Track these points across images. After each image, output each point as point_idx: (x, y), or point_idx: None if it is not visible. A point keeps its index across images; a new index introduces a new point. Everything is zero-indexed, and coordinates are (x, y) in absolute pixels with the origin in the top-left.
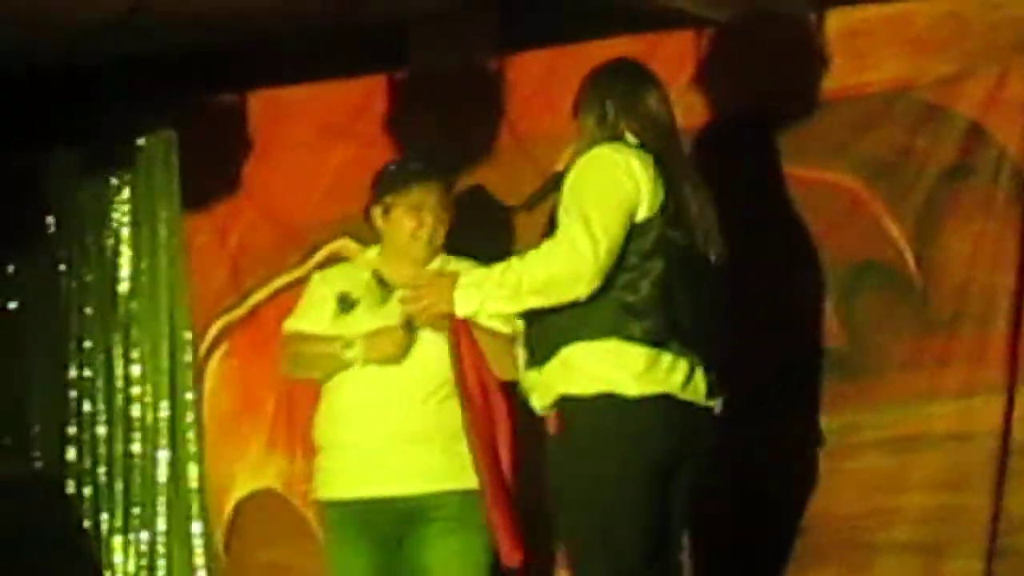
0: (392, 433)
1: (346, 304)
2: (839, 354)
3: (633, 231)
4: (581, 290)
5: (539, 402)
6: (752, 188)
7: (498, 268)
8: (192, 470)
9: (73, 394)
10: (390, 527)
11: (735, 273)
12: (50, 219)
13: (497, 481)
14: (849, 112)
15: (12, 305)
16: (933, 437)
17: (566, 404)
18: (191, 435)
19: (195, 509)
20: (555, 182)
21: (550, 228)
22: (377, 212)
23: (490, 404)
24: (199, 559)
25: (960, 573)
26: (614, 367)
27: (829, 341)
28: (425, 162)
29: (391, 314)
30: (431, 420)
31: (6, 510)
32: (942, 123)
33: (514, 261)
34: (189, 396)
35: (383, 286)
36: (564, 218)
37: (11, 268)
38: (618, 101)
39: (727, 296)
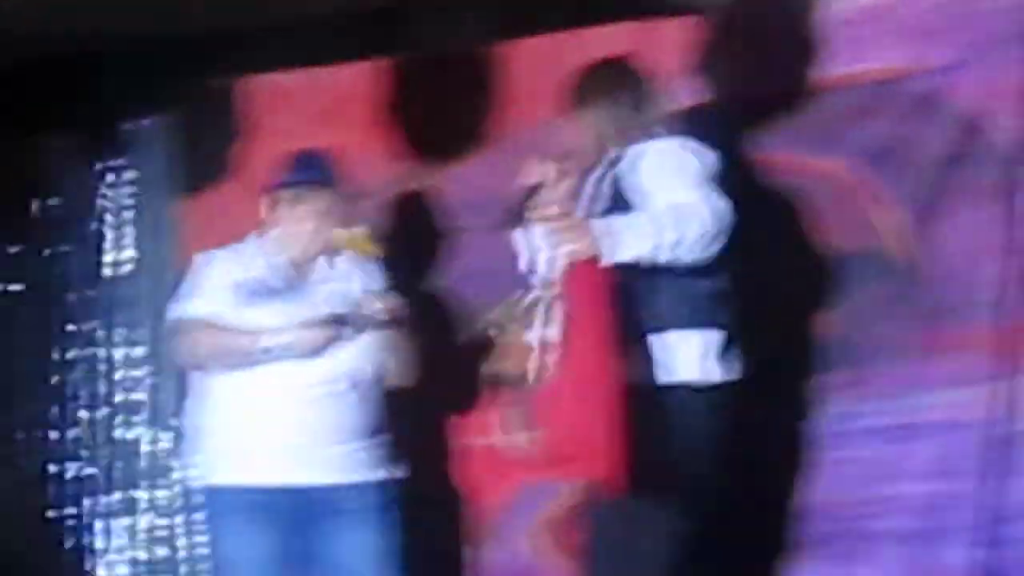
0: (297, 426)
1: (255, 292)
2: (835, 343)
3: None
4: (713, 251)
5: None
6: (747, 176)
7: (658, 217)
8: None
9: (73, 375)
10: (293, 515)
11: (730, 261)
12: (49, 202)
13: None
14: (846, 100)
15: (15, 287)
16: (929, 425)
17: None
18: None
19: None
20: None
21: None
22: (265, 203)
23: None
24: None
25: (957, 561)
26: (707, 354)
27: (825, 330)
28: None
29: (313, 305)
30: (336, 415)
31: None
32: (938, 112)
33: (668, 211)
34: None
35: (297, 271)
36: (682, 191)
37: (13, 250)
38: (632, 95)
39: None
